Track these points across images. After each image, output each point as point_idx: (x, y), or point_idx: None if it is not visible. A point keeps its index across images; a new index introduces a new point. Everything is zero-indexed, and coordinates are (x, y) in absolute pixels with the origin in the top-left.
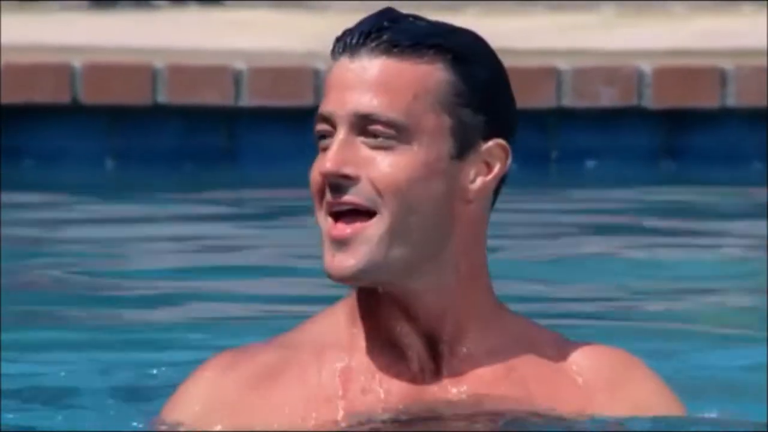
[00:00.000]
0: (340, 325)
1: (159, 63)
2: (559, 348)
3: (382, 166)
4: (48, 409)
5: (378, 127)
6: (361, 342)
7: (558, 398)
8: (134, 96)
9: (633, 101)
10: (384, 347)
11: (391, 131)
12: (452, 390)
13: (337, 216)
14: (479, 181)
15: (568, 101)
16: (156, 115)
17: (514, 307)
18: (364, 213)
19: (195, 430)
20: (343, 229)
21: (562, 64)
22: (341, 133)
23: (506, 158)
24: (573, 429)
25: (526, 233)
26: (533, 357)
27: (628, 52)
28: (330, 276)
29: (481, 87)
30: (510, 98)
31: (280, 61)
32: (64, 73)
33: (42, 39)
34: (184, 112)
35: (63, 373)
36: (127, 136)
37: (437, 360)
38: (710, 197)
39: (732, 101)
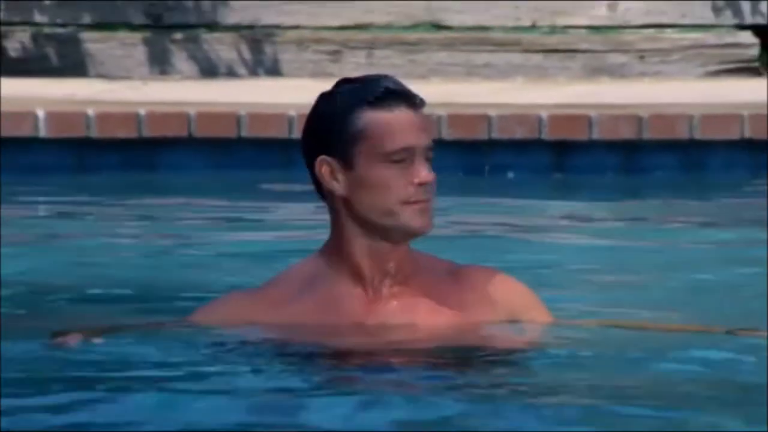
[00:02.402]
0: (322, 266)
1: (242, 111)
2: (456, 271)
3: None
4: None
5: (430, 153)
6: (337, 276)
7: (458, 302)
8: (227, 131)
9: (536, 135)
10: (351, 279)
11: (432, 154)
12: (392, 303)
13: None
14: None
15: (496, 135)
16: (239, 144)
17: None
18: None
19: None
20: (427, 209)
21: (492, 112)
22: (421, 158)
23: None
24: (468, 321)
25: (452, 234)
26: (440, 278)
27: (532, 105)
28: (419, 232)
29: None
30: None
31: None
32: (183, 118)
33: (170, 97)
34: (257, 142)
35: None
36: (222, 162)
37: (384, 286)
38: (589, 202)
39: (597, 136)
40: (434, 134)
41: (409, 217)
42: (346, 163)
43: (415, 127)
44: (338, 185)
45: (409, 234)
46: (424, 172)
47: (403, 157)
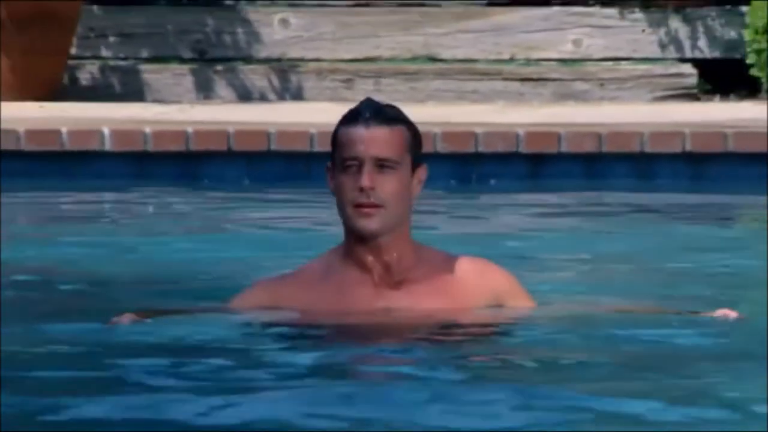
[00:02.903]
0: (335, 259)
1: (271, 129)
2: (450, 261)
3: (387, 186)
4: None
5: (386, 163)
6: (347, 268)
7: (452, 288)
8: (259, 146)
9: (514, 149)
10: (359, 270)
11: (393, 165)
12: (396, 290)
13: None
14: (418, 187)
15: (482, 149)
16: (269, 156)
17: None
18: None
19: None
20: (369, 212)
21: (478, 130)
22: (370, 166)
23: (425, 175)
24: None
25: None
26: (437, 268)
27: (511, 124)
28: (361, 231)
29: (418, 140)
30: (420, 150)
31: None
32: (223, 135)
33: (212, 118)
34: (284, 154)
35: None
36: (254, 171)
37: (387, 276)
38: (559, 204)
39: (564, 149)
40: (397, 150)
41: (354, 219)
42: (334, 169)
43: (363, 140)
44: (332, 187)
45: (356, 234)
46: (362, 179)
47: (352, 165)
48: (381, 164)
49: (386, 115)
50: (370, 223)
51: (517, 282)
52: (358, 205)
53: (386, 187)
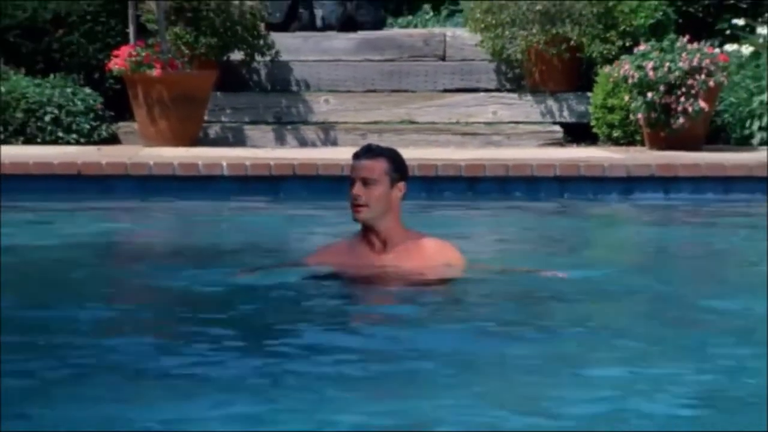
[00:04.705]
0: (354, 238)
1: (319, 162)
2: (422, 238)
3: (370, 193)
4: None
5: (370, 181)
6: (360, 242)
7: (422, 255)
8: (311, 172)
9: (458, 174)
10: (367, 243)
11: (374, 182)
12: (389, 256)
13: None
14: (396, 197)
15: (440, 174)
16: (318, 179)
17: None
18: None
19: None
20: (358, 210)
21: (438, 163)
22: (358, 183)
23: (404, 189)
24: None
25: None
26: (415, 242)
27: (457, 159)
28: (355, 220)
29: (399, 167)
30: (405, 170)
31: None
32: (290, 166)
33: (284, 156)
34: (327, 178)
35: None
36: (308, 189)
37: (383, 248)
38: (489, 208)
39: (488, 174)
40: (379, 173)
41: (352, 213)
42: None
43: (355, 167)
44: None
45: (356, 221)
46: (354, 190)
47: (351, 181)
48: (365, 181)
49: (372, 152)
50: (358, 216)
51: (457, 251)
52: (353, 205)
53: (368, 195)
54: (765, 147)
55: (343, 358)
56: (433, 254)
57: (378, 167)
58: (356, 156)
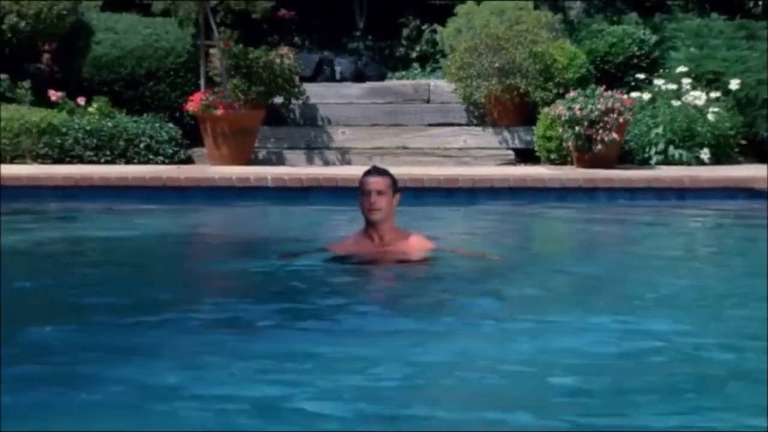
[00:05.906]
0: (360, 233)
1: (339, 176)
2: (410, 235)
3: (381, 201)
4: None
5: (381, 192)
6: (364, 237)
7: (408, 247)
8: (332, 184)
9: (438, 186)
10: (368, 237)
11: (383, 192)
12: (386, 248)
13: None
14: (395, 202)
15: (426, 185)
16: (336, 190)
17: None
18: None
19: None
20: (374, 212)
21: (424, 177)
22: (372, 193)
23: (400, 197)
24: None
25: None
26: (404, 237)
27: (437, 174)
28: (371, 220)
29: (395, 183)
30: (397, 185)
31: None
32: (316, 179)
33: (312, 173)
34: (343, 189)
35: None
36: (331, 197)
37: (381, 241)
38: (464, 212)
39: (460, 185)
40: (385, 186)
41: (369, 215)
42: (361, 195)
43: (369, 182)
44: (359, 202)
45: (369, 221)
46: (369, 200)
47: (364, 192)
48: (378, 192)
49: (379, 172)
50: (374, 217)
51: (430, 242)
52: (371, 209)
53: (380, 202)
54: (660, 166)
55: (364, 310)
56: (414, 245)
57: (384, 182)
58: (368, 173)
